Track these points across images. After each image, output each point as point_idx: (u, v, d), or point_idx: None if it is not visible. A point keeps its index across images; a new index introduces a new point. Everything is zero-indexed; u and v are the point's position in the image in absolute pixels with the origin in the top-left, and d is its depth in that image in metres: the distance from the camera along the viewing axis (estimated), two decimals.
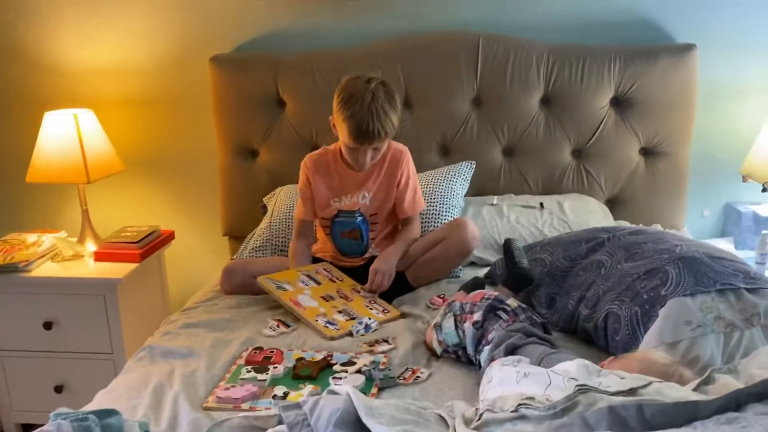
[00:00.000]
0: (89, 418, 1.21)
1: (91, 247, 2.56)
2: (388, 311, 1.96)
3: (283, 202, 2.44)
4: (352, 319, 1.88)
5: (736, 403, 0.92)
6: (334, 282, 2.08)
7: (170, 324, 1.92)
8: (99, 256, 2.48)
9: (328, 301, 1.97)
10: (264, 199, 2.57)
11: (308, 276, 2.07)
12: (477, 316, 1.63)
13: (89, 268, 2.43)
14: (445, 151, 2.62)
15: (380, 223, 2.21)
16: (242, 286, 2.11)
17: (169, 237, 2.69)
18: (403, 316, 1.95)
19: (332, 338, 1.80)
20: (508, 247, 1.97)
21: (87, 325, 2.37)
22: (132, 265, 2.42)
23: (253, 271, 2.13)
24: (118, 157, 2.65)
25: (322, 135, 2.57)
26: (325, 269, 2.13)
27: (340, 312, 1.92)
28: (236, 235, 2.70)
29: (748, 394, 0.93)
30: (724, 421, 0.87)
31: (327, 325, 1.85)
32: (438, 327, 1.69)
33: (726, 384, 1.09)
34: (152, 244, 2.56)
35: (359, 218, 2.15)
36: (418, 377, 1.59)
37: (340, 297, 2.00)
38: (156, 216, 2.89)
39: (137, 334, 2.35)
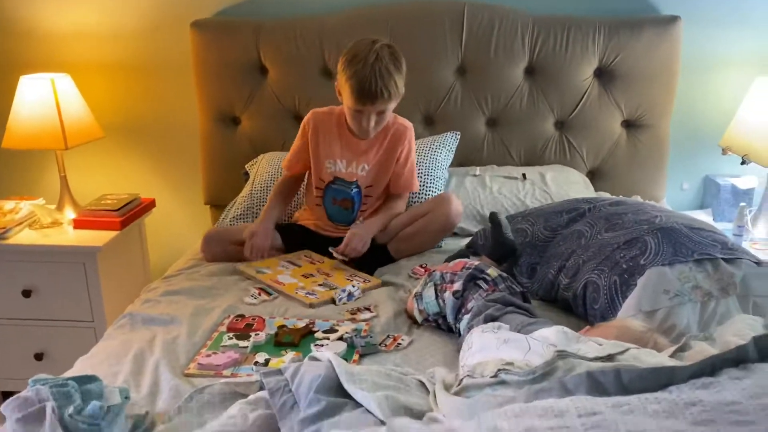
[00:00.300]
0: (69, 383, 1.21)
1: (70, 214, 2.53)
2: (369, 281, 1.96)
3: (265, 170, 2.43)
4: (333, 289, 1.89)
5: (711, 368, 0.94)
6: (315, 264, 2.08)
7: (151, 292, 1.91)
8: (78, 224, 2.45)
9: (308, 278, 1.97)
10: (246, 167, 2.54)
11: (289, 261, 2.08)
12: (457, 285, 1.64)
13: (69, 235, 2.40)
14: (428, 120, 2.61)
15: (373, 197, 2.20)
16: (223, 253, 2.11)
17: (150, 205, 2.66)
18: (385, 284, 1.95)
19: (312, 305, 1.80)
20: (494, 219, 1.98)
21: (67, 293, 2.35)
22: (112, 234, 2.40)
23: (234, 238, 2.13)
24: (97, 123, 2.61)
25: (305, 102, 2.55)
26: (306, 256, 2.13)
27: (320, 285, 1.92)
28: (218, 203, 2.68)
29: (723, 359, 0.95)
30: (699, 386, 0.89)
31: (307, 294, 1.85)
32: (419, 296, 1.70)
33: (702, 351, 1.11)
34: (133, 212, 2.53)
35: (355, 190, 2.14)
36: (399, 344, 1.60)
37: (321, 274, 2.00)
38: (136, 184, 2.85)
39: (118, 302, 2.33)
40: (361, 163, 2.15)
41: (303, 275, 1.98)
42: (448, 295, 1.64)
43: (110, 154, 2.85)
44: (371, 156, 2.15)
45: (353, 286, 1.88)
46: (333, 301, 1.84)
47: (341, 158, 2.15)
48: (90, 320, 2.36)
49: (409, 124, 2.19)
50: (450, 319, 1.63)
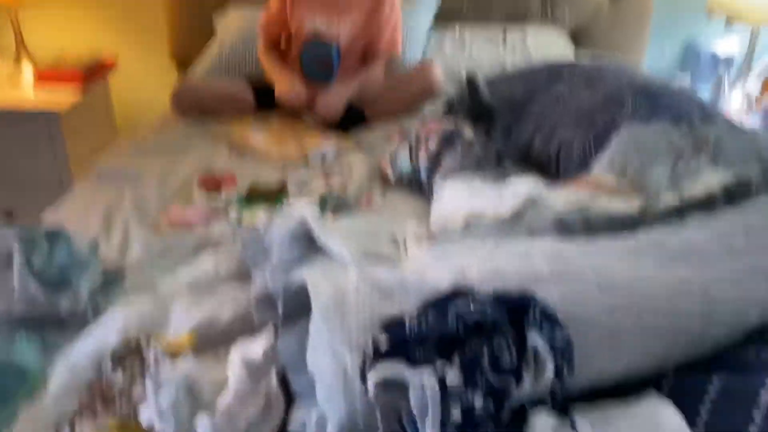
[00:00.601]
0: (36, 233, 1.19)
1: (28, 74, 2.42)
2: (344, 142, 1.94)
3: (234, 25, 2.31)
4: (307, 149, 1.86)
5: (679, 213, 0.95)
6: (287, 124, 2.02)
7: (119, 148, 1.88)
8: (39, 83, 2.34)
9: (280, 138, 1.94)
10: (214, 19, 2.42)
11: (261, 122, 2.03)
12: (432, 145, 1.62)
13: (30, 96, 2.31)
14: None
15: (353, 57, 2.11)
16: (194, 106, 2.04)
17: (113, 64, 2.55)
18: (359, 145, 1.93)
19: (285, 164, 1.78)
20: (471, 80, 1.93)
21: (32, 153, 2.29)
22: (76, 94, 2.31)
23: (205, 91, 2.06)
24: None
25: None
26: (279, 116, 2.07)
27: (293, 145, 1.89)
28: (184, 58, 2.55)
29: (690, 205, 0.96)
30: (666, 229, 0.90)
31: (280, 154, 1.83)
32: (393, 156, 1.69)
33: (670, 203, 1.11)
34: (95, 70, 2.43)
35: (335, 50, 2.04)
36: (373, 203, 1.60)
37: (294, 134, 1.96)
38: (96, 41, 2.70)
39: (85, 161, 2.29)
40: (342, 21, 2.05)
41: (275, 134, 1.94)
42: (422, 155, 1.62)
43: (66, 8, 2.67)
44: (353, 13, 2.05)
45: (327, 147, 1.85)
46: (306, 161, 1.81)
47: (321, 15, 2.05)
48: (57, 179, 2.33)
49: None
50: (424, 179, 1.62)
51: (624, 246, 0.86)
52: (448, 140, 1.63)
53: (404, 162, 1.65)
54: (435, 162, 1.60)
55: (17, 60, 2.44)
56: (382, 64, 2.15)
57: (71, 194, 1.63)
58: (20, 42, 2.44)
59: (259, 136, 1.92)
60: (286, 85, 2.03)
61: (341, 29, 2.05)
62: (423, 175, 1.62)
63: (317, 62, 2.07)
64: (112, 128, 2.64)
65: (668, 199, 1.14)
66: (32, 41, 2.53)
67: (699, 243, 0.85)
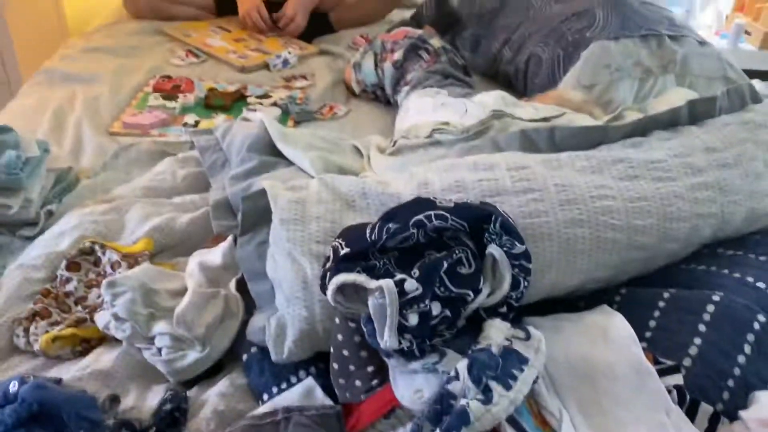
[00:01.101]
0: None
1: None
2: (306, 48, 1.87)
3: None
4: (267, 54, 1.79)
5: (643, 129, 0.94)
6: (246, 30, 1.93)
7: (69, 48, 1.79)
8: None
9: (239, 42, 1.85)
10: None
11: (219, 27, 1.94)
12: (398, 54, 1.58)
13: None
14: None
15: None
16: (148, 7, 1.94)
17: None
18: (322, 53, 1.87)
19: (243, 69, 1.72)
20: None
21: None
22: None
23: None
24: None
25: None
26: (238, 21, 1.97)
27: (253, 50, 1.82)
28: None
29: (654, 121, 0.96)
30: (629, 145, 0.90)
31: (239, 58, 1.76)
32: (357, 66, 1.64)
33: (634, 120, 1.11)
34: None
35: None
36: (336, 114, 1.57)
37: (253, 39, 1.88)
38: None
39: (33, 60, 2.16)
40: None
41: (234, 39, 1.87)
42: (387, 65, 1.58)
43: None
44: None
45: (289, 53, 1.79)
46: (266, 67, 1.75)
47: None
48: (4, 79, 2.21)
49: None
50: (388, 90, 1.59)
51: (587, 160, 0.85)
52: (414, 49, 1.58)
53: (369, 72, 1.61)
54: (400, 72, 1.56)
55: None
56: None
57: (19, 96, 1.55)
58: None
59: (217, 40, 1.84)
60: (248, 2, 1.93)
61: None
62: (388, 86, 1.58)
63: None
64: (60, 23, 2.49)
65: (632, 116, 1.13)
66: None
67: (659, 159, 0.86)
